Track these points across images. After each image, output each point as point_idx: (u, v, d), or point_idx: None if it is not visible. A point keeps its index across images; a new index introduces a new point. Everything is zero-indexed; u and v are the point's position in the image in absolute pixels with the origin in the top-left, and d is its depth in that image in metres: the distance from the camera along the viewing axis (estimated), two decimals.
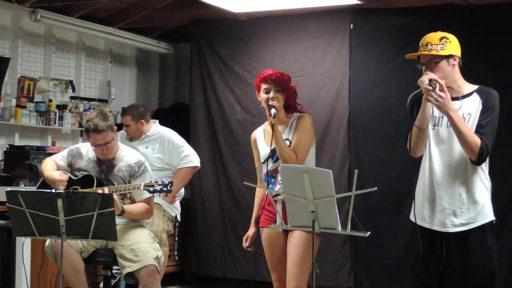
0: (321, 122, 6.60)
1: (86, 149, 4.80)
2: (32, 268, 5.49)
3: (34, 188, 4.88)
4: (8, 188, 4.38)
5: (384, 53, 6.43)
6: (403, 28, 6.30)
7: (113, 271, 4.82)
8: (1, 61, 6.29)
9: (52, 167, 4.77)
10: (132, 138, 5.47)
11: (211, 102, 7.19)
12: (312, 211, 3.60)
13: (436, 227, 3.64)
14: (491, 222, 3.62)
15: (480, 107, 3.58)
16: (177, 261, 6.70)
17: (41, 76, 6.90)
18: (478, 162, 3.54)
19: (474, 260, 3.56)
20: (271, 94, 4.11)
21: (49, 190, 4.52)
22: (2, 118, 6.39)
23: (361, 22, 6.52)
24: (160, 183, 4.44)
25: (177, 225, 5.51)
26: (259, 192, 4.34)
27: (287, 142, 4.12)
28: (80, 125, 7.08)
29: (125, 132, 5.49)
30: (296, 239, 4.03)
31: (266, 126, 4.29)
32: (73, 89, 7.18)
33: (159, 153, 5.37)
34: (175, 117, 7.68)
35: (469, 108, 3.60)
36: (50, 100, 6.92)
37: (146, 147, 5.38)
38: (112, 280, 4.80)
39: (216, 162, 7.15)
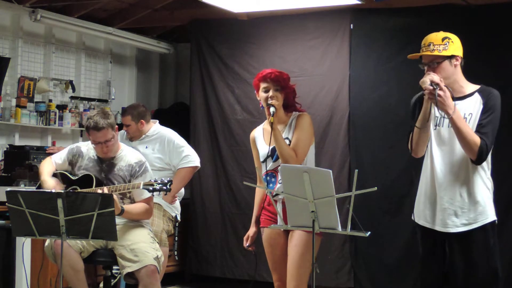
0: (321, 122, 6.60)
1: (87, 148, 4.80)
2: (32, 268, 5.49)
3: (34, 188, 4.88)
4: (8, 188, 4.37)
5: (384, 53, 6.43)
6: (403, 28, 6.30)
7: (113, 271, 4.82)
8: (1, 61, 6.29)
9: (51, 169, 4.76)
10: (132, 138, 5.47)
11: (211, 102, 7.19)
12: (312, 211, 3.60)
13: (438, 228, 3.64)
14: (492, 222, 3.62)
15: (481, 107, 3.58)
16: (177, 261, 6.70)
17: (41, 76, 6.90)
18: (477, 161, 3.54)
19: (476, 260, 3.56)
20: (270, 93, 4.11)
21: (49, 190, 4.52)
22: (2, 118, 6.39)
23: (361, 22, 6.52)
24: (159, 182, 4.45)
25: (177, 225, 5.51)
26: (259, 192, 4.34)
27: (287, 141, 4.12)
28: (80, 125, 7.08)
29: (125, 132, 5.49)
30: (297, 240, 4.03)
31: (265, 125, 4.29)
32: (73, 89, 7.18)
33: (159, 153, 5.37)
34: (175, 117, 7.68)
35: (470, 108, 3.60)
36: (50, 100, 6.92)
37: (146, 147, 5.39)
38: (112, 280, 4.80)
39: (216, 162, 7.15)
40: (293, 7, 6.44)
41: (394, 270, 6.31)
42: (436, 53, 3.58)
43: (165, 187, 4.43)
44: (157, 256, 4.51)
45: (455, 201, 3.60)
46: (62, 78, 7.15)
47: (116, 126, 4.71)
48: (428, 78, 3.50)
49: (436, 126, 3.66)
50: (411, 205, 3.86)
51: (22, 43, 6.69)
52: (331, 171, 3.57)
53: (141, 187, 4.47)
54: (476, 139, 3.50)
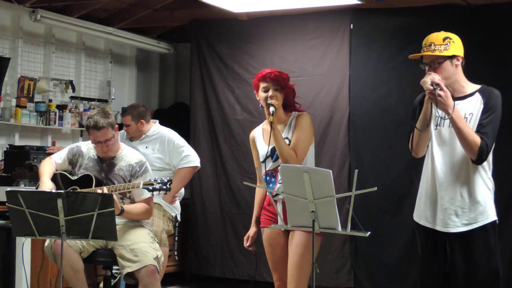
0: (321, 122, 6.60)
1: (87, 148, 4.81)
2: (32, 268, 5.49)
3: (34, 188, 4.88)
4: (8, 188, 4.37)
5: (384, 53, 6.43)
6: (403, 28, 6.30)
7: (113, 271, 4.82)
8: (1, 61, 6.29)
9: (51, 170, 4.76)
10: (132, 138, 5.47)
11: (211, 102, 7.19)
12: (312, 211, 3.60)
13: (438, 227, 3.64)
14: (493, 222, 3.62)
15: (482, 106, 3.58)
16: (177, 261, 6.70)
17: (41, 76, 6.90)
18: (478, 161, 3.54)
19: (477, 260, 3.56)
20: (270, 93, 4.11)
21: (49, 190, 4.52)
22: (2, 118, 6.39)
23: (361, 22, 6.52)
24: (159, 181, 4.45)
25: (177, 225, 5.51)
26: (259, 192, 4.34)
27: (286, 141, 4.12)
28: (80, 125, 7.08)
29: (125, 132, 5.49)
30: (297, 240, 4.04)
31: (265, 125, 4.29)
32: (73, 89, 7.18)
33: (159, 153, 5.37)
34: (175, 117, 7.68)
35: (471, 108, 3.60)
36: (50, 100, 6.92)
37: (146, 147, 5.39)
38: (112, 280, 4.80)
39: (216, 162, 7.15)
40: (293, 7, 6.44)
41: (394, 270, 6.31)
42: (437, 53, 3.58)
43: (164, 187, 4.43)
44: (157, 256, 4.51)
45: (455, 201, 3.60)
46: (62, 78, 7.15)
47: (117, 125, 4.71)
48: (429, 78, 3.50)
49: (437, 126, 3.66)
50: (411, 205, 3.85)
51: (22, 43, 6.69)
52: (331, 171, 3.57)
53: (141, 186, 4.47)
54: (477, 139, 3.50)
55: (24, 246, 5.02)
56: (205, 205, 7.19)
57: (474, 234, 3.58)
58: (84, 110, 7.23)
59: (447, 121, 3.59)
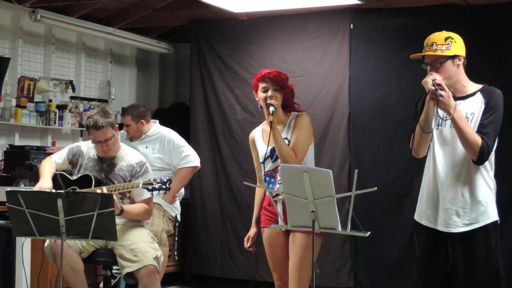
0: (321, 122, 6.60)
1: (87, 147, 4.80)
2: (32, 268, 5.49)
3: (34, 188, 4.87)
4: (8, 188, 4.38)
5: (384, 53, 6.43)
6: (403, 28, 6.30)
7: (113, 271, 4.82)
8: (1, 61, 6.29)
9: (51, 170, 4.76)
10: (132, 138, 5.47)
11: (211, 102, 7.19)
12: (312, 211, 3.60)
13: (440, 227, 3.63)
14: (495, 223, 3.61)
15: (483, 106, 3.58)
16: (177, 261, 6.69)
17: (41, 76, 6.90)
18: (479, 162, 3.54)
19: (479, 260, 3.55)
20: (269, 93, 4.11)
21: (49, 190, 4.53)
22: (2, 118, 6.39)
23: (361, 22, 6.52)
24: (158, 181, 4.44)
25: (177, 225, 5.51)
26: (259, 192, 4.34)
27: (286, 141, 4.12)
28: (80, 125, 7.08)
29: (125, 132, 5.49)
30: (298, 242, 4.04)
31: (264, 126, 4.29)
32: (73, 89, 7.18)
33: (159, 153, 5.37)
34: (175, 117, 7.68)
35: (472, 108, 3.60)
36: (50, 100, 6.92)
37: (146, 147, 5.38)
38: (112, 280, 4.80)
39: (216, 162, 7.15)
40: (293, 7, 6.44)
41: (394, 270, 6.31)
42: (439, 53, 3.58)
43: (164, 186, 4.43)
44: (157, 256, 4.51)
45: (457, 201, 3.59)
46: (62, 78, 7.15)
47: (117, 125, 4.71)
48: (430, 79, 3.50)
49: (438, 126, 3.66)
50: (411, 205, 3.85)
51: (22, 43, 6.69)
52: (331, 171, 3.57)
53: (141, 186, 4.47)
54: (478, 140, 3.49)
55: (24, 246, 5.02)
56: (205, 205, 7.19)
57: (476, 234, 3.57)
58: (84, 110, 7.23)
59: (449, 121, 3.58)
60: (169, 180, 4.47)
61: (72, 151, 4.82)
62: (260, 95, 4.15)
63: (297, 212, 3.69)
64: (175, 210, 5.48)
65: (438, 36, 3.62)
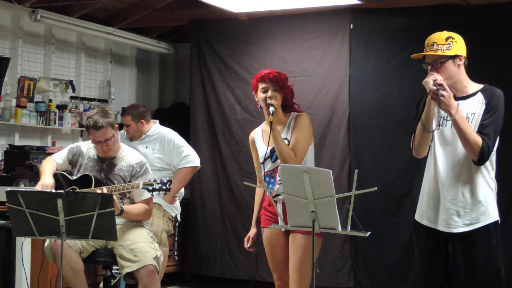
0: (321, 122, 6.60)
1: (87, 147, 4.80)
2: (32, 268, 5.48)
3: (34, 188, 4.87)
4: (8, 188, 4.38)
5: (384, 53, 6.43)
6: (403, 28, 6.30)
7: (113, 271, 4.82)
8: (1, 61, 6.29)
9: (52, 169, 4.76)
10: (132, 138, 5.47)
11: (211, 102, 7.19)
12: (312, 211, 3.60)
13: (440, 228, 3.63)
14: (495, 223, 3.61)
15: (484, 106, 3.58)
16: (177, 261, 6.69)
17: (41, 76, 6.90)
18: (479, 162, 3.54)
19: (479, 260, 3.55)
20: (269, 93, 4.11)
21: (51, 187, 4.53)
22: (2, 118, 6.39)
23: (361, 22, 6.52)
24: (159, 181, 4.44)
25: (177, 225, 5.51)
26: (259, 192, 4.34)
27: (286, 142, 4.12)
28: (80, 125, 7.08)
29: (125, 132, 5.49)
30: (298, 242, 4.04)
31: (264, 126, 4.29)
32: (73, 89, 7.18)
33: (159, 153, 5.37)
34: (175, 117, 7.68)
35: (473, 108, 3.60)
36: (50, 100, 6.92)
37: (146, 147, 5.38)
38: (112, 280, 4.80)
39: (216, 162, 7.15)
40: (293, 7, 6.44)
41: (394, 270, 6.30)
42: (439, 52, 3.58)
43: (164, 187, 4.43)
44: (157, 256, 4.51)
45: (457, 201, 3.59)
46: (62, 78, 7.15)
47: (117, 125, 4.71)
48: (431, 79, 3.49)
49: (439, 126, 3.65)
50: (411, 205, 3.85)
51: (22, 43, 6.69)
52: (331, 171, 3.57)
53: (141, 186, 4.47)
54: (478, 140, 3.49)
55: (24, 246, 5.02)
56: (205, 205, 7.19)
57: (476, 234, 3.57)
58: (84, 110, 7.23)
59: (450, 121, 3.58)
60: (169, 181, 4.47)
61: (72, 151, 4.82)
62: (260, 95, 4.15)
63: (297, 212, 3.69)
64: (175, 210, 5.48)
65: (439, 36, 3.61)
